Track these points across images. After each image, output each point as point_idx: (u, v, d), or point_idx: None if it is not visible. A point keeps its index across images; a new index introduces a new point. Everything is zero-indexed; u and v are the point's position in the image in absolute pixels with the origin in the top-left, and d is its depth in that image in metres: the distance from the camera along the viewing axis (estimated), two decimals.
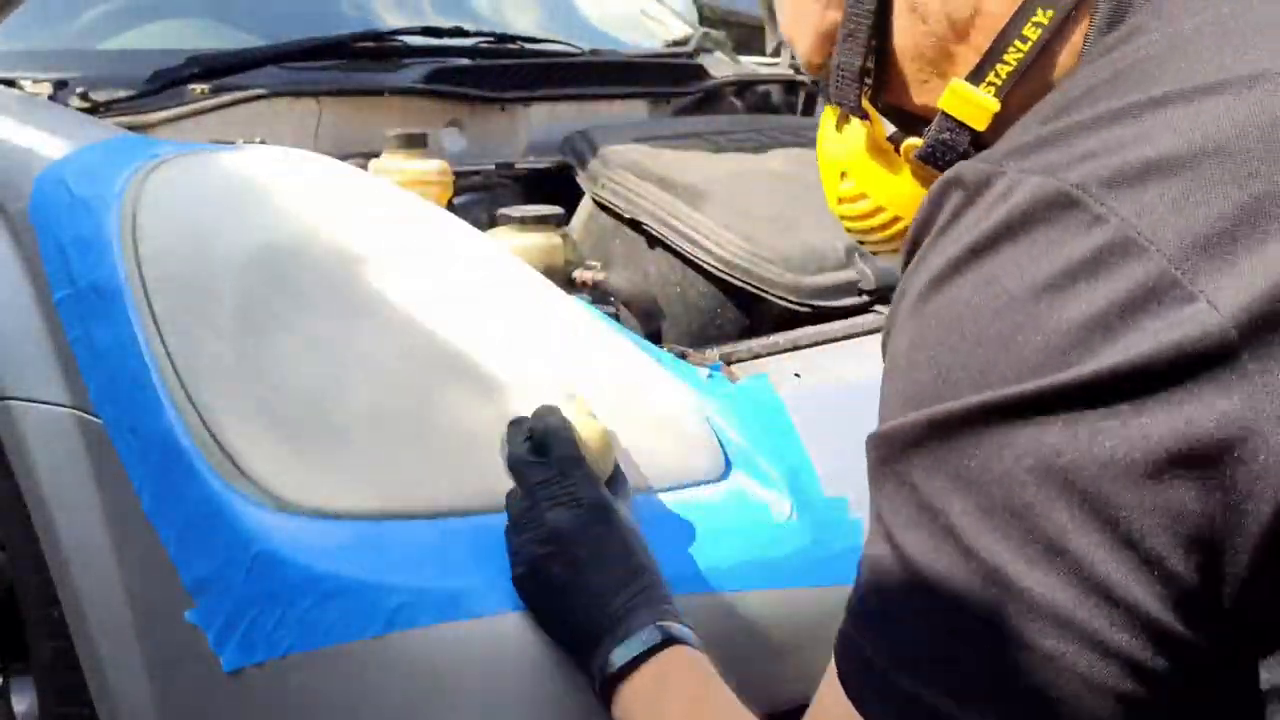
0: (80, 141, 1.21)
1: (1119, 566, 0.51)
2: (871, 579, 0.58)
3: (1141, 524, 0.51)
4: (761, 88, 2.30)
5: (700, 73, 2.19)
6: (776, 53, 2.55)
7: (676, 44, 2.42)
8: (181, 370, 1.01)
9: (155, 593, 1.04)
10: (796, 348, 1.27)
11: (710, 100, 2.19)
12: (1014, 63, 0.67)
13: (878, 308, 1.36)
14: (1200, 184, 0.52)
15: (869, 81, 0.74)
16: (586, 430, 0.97)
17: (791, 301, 1.35)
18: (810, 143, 1.77)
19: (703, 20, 2.79)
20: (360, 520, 0.97)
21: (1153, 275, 0.51)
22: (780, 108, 2.35)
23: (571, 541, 0.89)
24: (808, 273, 1.37)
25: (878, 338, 1.37)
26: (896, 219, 0.80)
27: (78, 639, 1.13)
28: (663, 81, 2.14)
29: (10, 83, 1.60)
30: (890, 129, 0.78)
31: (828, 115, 0.83)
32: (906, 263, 0.61)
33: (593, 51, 2.18)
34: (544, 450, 0.95)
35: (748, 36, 2.87)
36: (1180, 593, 0.51)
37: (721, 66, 2.32)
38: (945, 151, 0.72)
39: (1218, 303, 0.50)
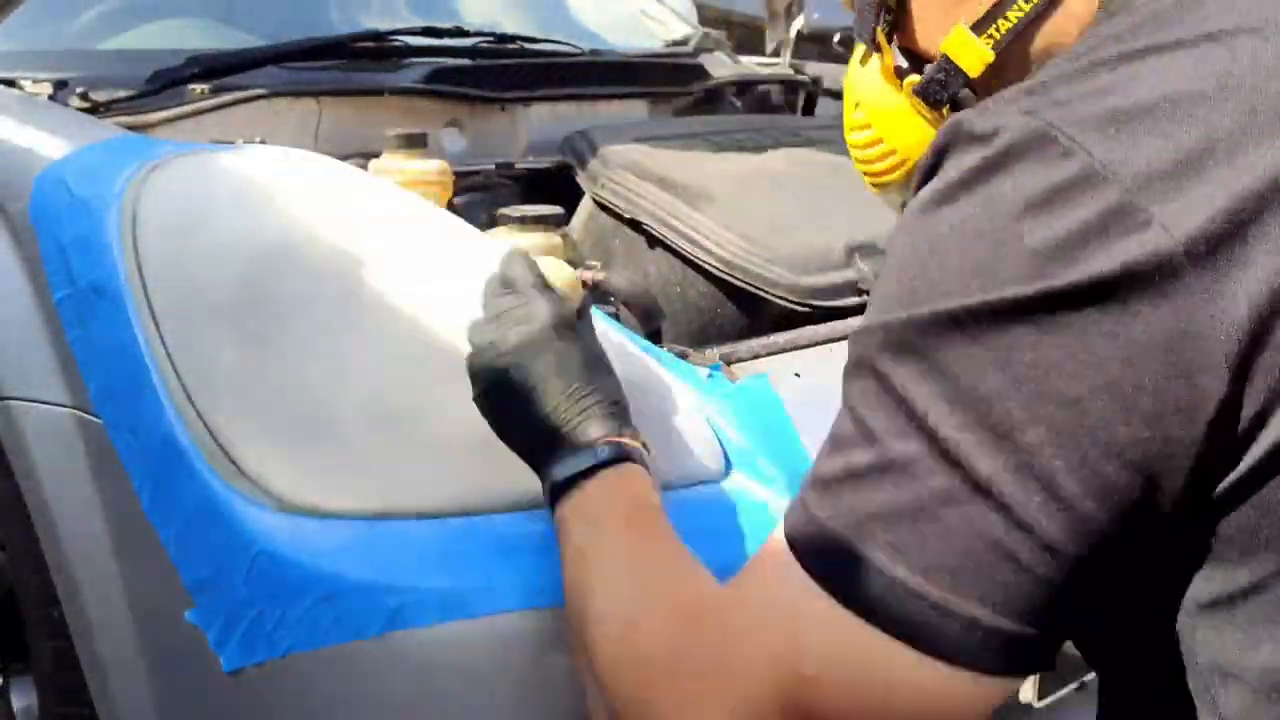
0: (80, 141, 1.21)
1: (1063, 463, 0.58)
2: (834, 452, 0.65)
3: (1087, 426, 0.57)
4: (761, 88, 2.31)
5: (700, 73, 2.19)
6: (776, 53, 2.55)
7: (676, 44, 2.42)
8: (181, 370, 1.01)
9: (155, 593, 1.04)
10: (796, 348, 1.27)
11: (710, 100, 2.19)
12: (1015, 20, 0.74)
13: None
14: (1159, 126, 0.59)
15: (888, 18, 0.82)
16: (556, 271, 1.01)
17: (791, 301, 1.35)
18: (810, 143, 1.78)
19: (703, 20, 2.79)
20: (360, 520, 0.97)
21: (1112, 203, 0.58)
22: (780, 108, 2.36)
23: (528, 355, 0.90)
24: (808, 273, 1.36)
25: None
26: (893, 152, 0.88)
27: (78, 639, 1.13)
28: (663, 81, 2.14)
29: (10, 83, 1.60)
30: (900, 64, 0.86)
31: (858, 49, 0.90)
32: (917, 188, 0.67)
33: (593, 51, 2.18)
34: (510, 284, 0.97)
35: (748, 36, 2.87)
36: (1115, 492, 0.58)
37: (721, 66, 2.32)
38: (938, 89, 0.81)
39: (1169, 226, 0.57)
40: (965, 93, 0.81)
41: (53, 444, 1.12)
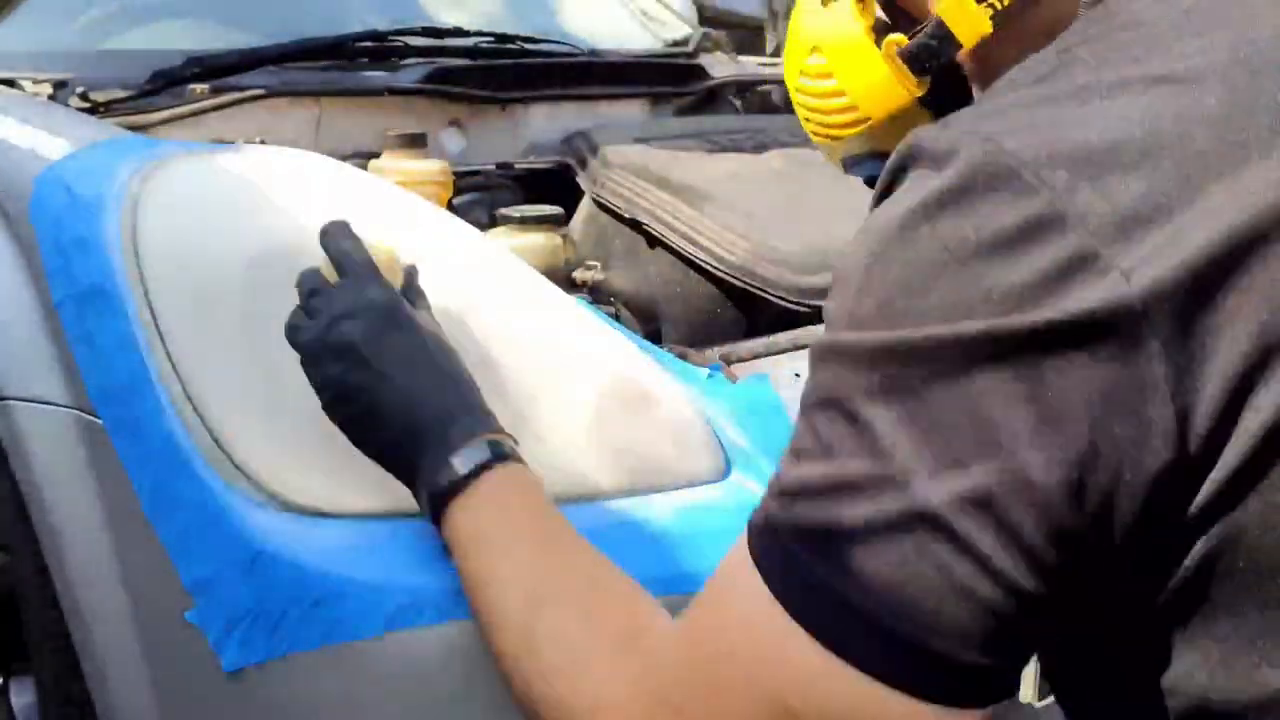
0: (80, 141, 1.21)
1: (1014, 498, 0.56)
2: (795, 463, 0.63)
3: (1034, 467, 0.56)
4: (761, 88, 2.31)
5: (700, 73, 2.19)
6: (776, 53, 2.56)
7: (676, 44, 2.42)
8: (181, 370, 1.01)
9: (155, 593, 1.04)
10: (796, 348, 1.27)
11: (710, 100, 2.19)
12: None
13: None
14: (1127, 170, 0.57)
15: None
16: (376, 246, 0.94)
17: (791, 301, 1.35)
18: (810, 143, 1.77)
19: (703, 20, 2.79)
20: (360, 520, 0.97)
21: (1074, 249, 0.56)
22: (780, 108, 2.36)
23: (369, 348, 0.85)
24: (808, 273, 1.36)
25: None
26: (854, 108, 0.81)
27: (78, 639, 1.13)
28: (663, 81, 2.14)
29: (10, 83, 1.60)
30: (882, 18, 0.80)
31: None
32: (876, 200, 0.65)
33: (593, 51, 2.18)
34: (338, 267, 0.92)
35: (748, 36, 2.87)
36: (1067, 532, 0.57)
37: (721, 66, 2.32)
38: (927, 56, 0.74)
39: (1130, 277, 0.55)
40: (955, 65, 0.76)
41: (53, 444, 1.12)
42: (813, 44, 0.82)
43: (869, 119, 0.81)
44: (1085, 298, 0.55)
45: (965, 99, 0.76)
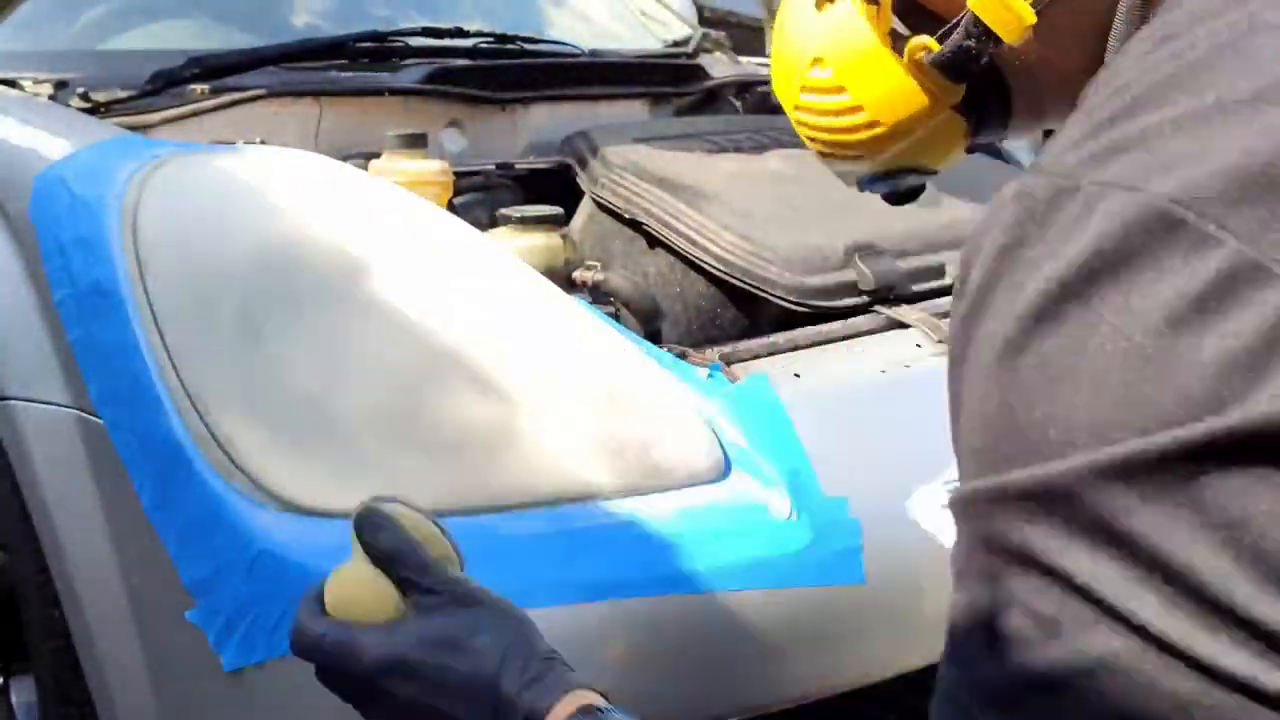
0: (80, 141, 1.21)
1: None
2: (997, 655, 0.49)
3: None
4: (761, 88, 2.31)
5: (700, 73, 2.19)
6: None
7: (676, 44, 2.42)
8: (181, 370, 1.01)
9: (155, 593, 1.04)
10: (796, 348, 1.27)
11: (710, 100, 2.19)
12: None
13: (877, 308, 1.36)
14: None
15: None
16: (410, 521, 0.80)
17: (791, 301, 1.35)
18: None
19: (703, 20, 2.79)
20: None
21: None
22: (780, 108, 2.35)
23: (436, 674, 0.72)
24: (808, 273, 1.36)
25: (877, 338, 1.37)
26: (875, 123, 0.70)
27: (78, 639, 1.13)
28: (663, 81, 2.14)
29: (10, 83, 1.60)
30: (895, 24, 0.68)
31: None
32: (960, 288, 0.52)
33: (593, 52, 2.18)
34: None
35: (748, 37, 2.87)
36: None
37: (721, 66, 2.32)
38: (966, 60, 0.63)
39: None
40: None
41: (53, 444, 1.12)
42: (813, 55, 0.71)
43: (896, 134, 0.70)
44: None
45: (1005, 98, 0.67)
